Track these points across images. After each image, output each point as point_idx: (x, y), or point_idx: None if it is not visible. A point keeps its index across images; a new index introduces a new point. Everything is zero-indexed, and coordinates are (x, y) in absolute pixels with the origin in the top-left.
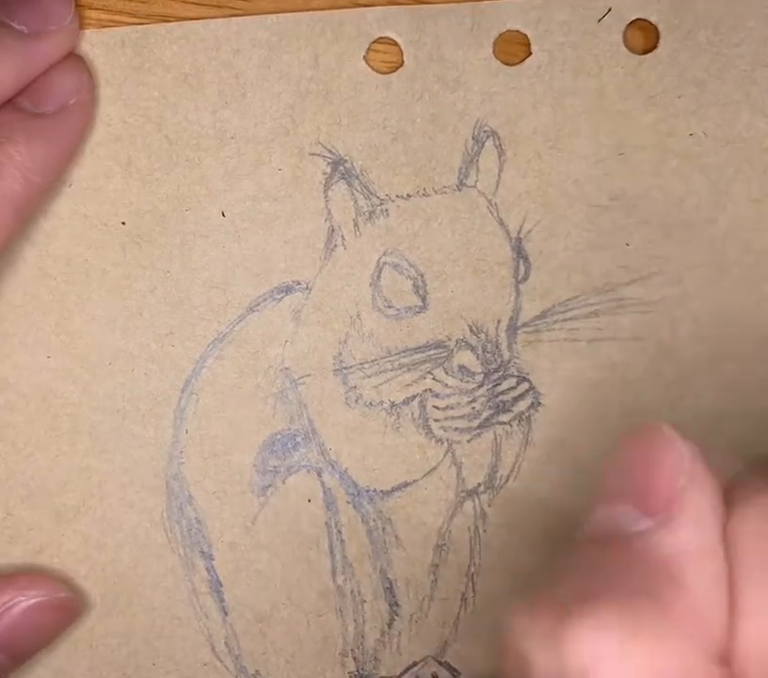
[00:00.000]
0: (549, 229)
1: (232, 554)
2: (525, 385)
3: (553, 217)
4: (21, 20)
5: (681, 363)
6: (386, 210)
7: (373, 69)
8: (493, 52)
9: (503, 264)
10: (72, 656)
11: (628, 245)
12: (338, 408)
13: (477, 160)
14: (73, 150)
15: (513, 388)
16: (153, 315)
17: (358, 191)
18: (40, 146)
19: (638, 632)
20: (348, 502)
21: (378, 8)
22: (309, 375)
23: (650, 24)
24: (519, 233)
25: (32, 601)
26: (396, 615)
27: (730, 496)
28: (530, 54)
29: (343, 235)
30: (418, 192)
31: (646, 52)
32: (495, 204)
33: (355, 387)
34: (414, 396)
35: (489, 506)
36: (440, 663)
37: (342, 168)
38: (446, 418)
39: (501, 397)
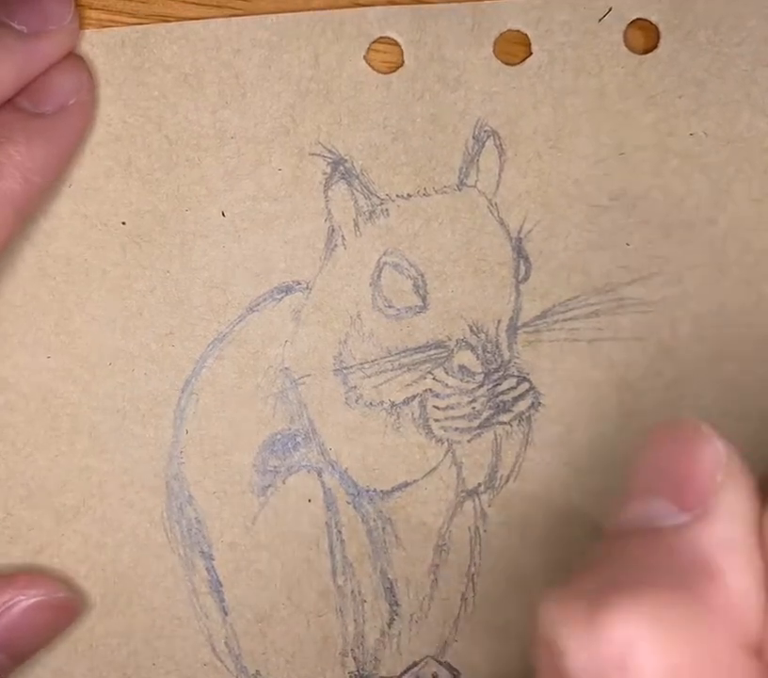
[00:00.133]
0: (549, 229)
1: (232, 554)
2: (525, 385)
3: (554, 216)
4: (21, 20)
5: (681, 363)
6: (386, 210)
7: (373, 68)
8: (494, 52)
9: (503, 264)
10: (71, 656)
11: (628, 245)
12: (338, 408)
13: (478, 160)
14: (73, 150)
15: (513, 388)
16: (153, 315)
17: (358, 191)
18: (40, 146)
19: (675, 622)
20: (348, 502)
21: (379, 7)
22: (309, 375)
23: (651, 23)
24: (519, 232)
25: (31, 600)
26: (396, 615)
27: (763, 492)
28: (530, 53)
29: (343, 235)
30: (418, 192)
31: (646, 52)
32: (495, 204)
33: (355, 387)
34: (414, 396)
35: (490, 506)
36: (440, 663)
37: (342, 167)
38: (446, 418)
39: (501, 397)
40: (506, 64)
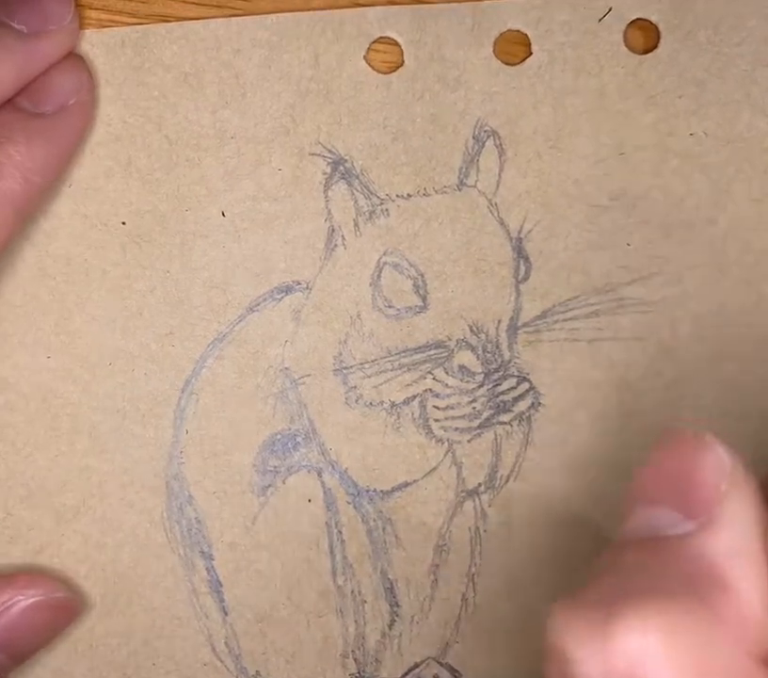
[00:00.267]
0: (549, 229)
1: (232, 554)
2: (525, 385)
3: (554, 216)
4: (20, 20)
5: (681, 363)
6: (386, 210)
7: (373, 68)
8: (494, 52)
9: (503, 264)
10: (71, 656)
11: (628, 245)
12: (338, 408)
13: (478, 160)
14: (73, 150)
15: (513, 388)
16: (153, 315)
17: (358, 191)
18: (40, 146)
19: (684, 631)
20: (348, 502)
21: (379, 7)
22: (309, 375)
23: (651, 23)
24: (519, 232)
25: (31, 600)
26: (397, 616)
27: (765, 492)
28: (530, 53)
29: (343, 235)
30: (418, 192)
31: (646, 52)
32: (495, 204)
33: (355, 387)
34: (414, 396)
35: (490, 506)
36: (441, 664)
37: (342, 167)
38: (446, 418)
39: (501, 397)
40: (506, 64)
